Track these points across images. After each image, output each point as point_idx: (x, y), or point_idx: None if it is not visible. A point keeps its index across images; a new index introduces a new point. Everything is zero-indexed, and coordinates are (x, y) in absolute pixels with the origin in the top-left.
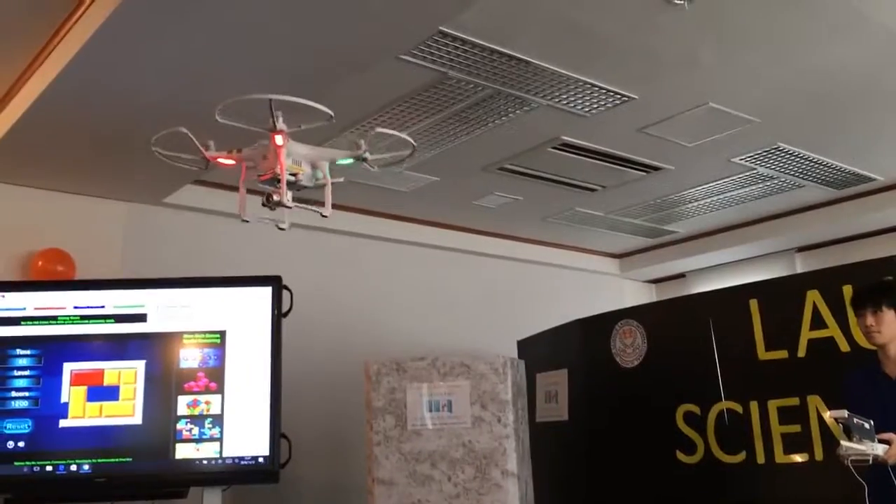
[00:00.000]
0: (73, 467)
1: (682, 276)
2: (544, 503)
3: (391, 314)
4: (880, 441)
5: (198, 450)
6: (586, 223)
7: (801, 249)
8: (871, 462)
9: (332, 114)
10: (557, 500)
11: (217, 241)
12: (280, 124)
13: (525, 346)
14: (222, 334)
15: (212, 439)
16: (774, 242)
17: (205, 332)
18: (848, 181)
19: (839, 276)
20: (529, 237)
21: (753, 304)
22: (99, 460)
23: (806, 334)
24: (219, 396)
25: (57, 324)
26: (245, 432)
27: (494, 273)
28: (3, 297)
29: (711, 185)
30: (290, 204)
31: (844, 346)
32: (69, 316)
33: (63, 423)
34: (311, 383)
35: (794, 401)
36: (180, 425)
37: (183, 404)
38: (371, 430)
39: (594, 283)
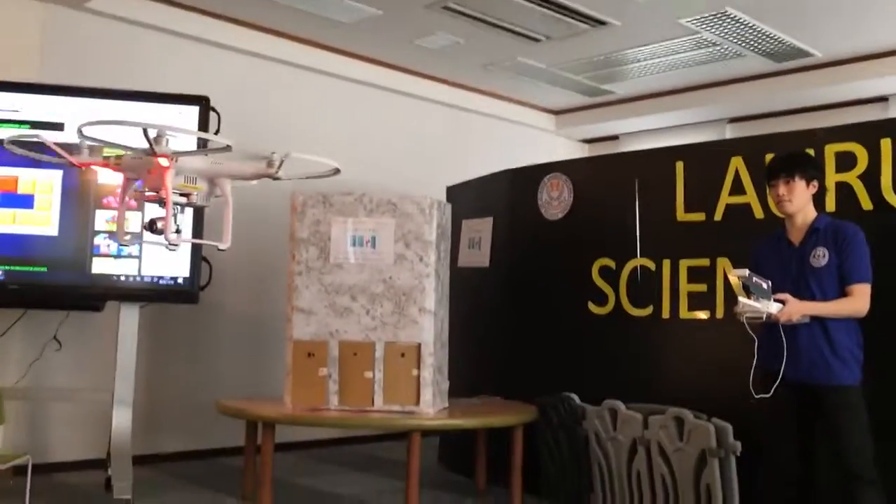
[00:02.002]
0: None
1: (615, 137)
2: (459, 344)
3: (321, 149)
4: (776, 300)
5: (116, 266)
6: (527, 75)
7: (732, 120)
8: (764, 319)
9: (230, 145)
10: (472, 342)
11: (144, 55)
12: (163, 147)
13: (453, 193)
14: (146, 152)
15: (130, 256)
16: (708, 111)
17: (127, 148)
18: (788, 54)
19: (763, 145)
20: (469, 84)
21: (679, 166)
22: (13, 268)
23: (725, 199)
24: (139, 214)
25: None
26: (165, 253)
27: (429, 118)
28: None
29: (656, 45)
30: (176, 241)
31: (759, 213)
32: None
33: None
34: (235, 211)
35: (705, 262)
36: (98, 240)
37: (101, 219)
38: (294, 261)
39: (529, 138)
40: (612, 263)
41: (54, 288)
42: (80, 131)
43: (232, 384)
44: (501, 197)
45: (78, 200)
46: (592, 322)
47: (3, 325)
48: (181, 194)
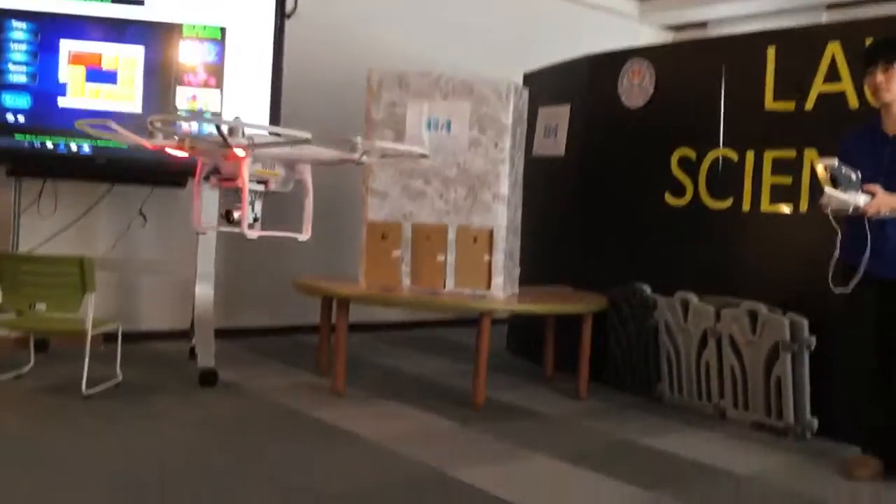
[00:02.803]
0: (74, 147)
1: (703, 24)
2: (532, 233)
3: (399, 30)
4: (865, 192)
5: None
6: None
7: (831, 7)
8: (850, 212)
9: (309, 138)
10: (545, 231)
11: None
12: (238, 138)
13: (531, 79)
14: (223, 30)
15: (210, 135)
16: None
17: (205, 26)
18: None
19: (864, 30)
20: None
21: (770, 52)
22: (99, 143)
23: (818, 87)
24: (217, 93)
25: None
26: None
27: (509, 3)
28: None
29: None
30: (251, 234)
31: (854, 103)
32: None
33: (62, 102)
34: (312, 91)
35: (791, 153)
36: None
37: (182, 97)
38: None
39: (611, 25)
40: (692, 154)
41: (140, 162)
42: (151, 122)
43: (309, 263)
44: (580, 84)
45: (160, 77)
46: (669, 214)
47: (92, 200)
48: (258, 181)
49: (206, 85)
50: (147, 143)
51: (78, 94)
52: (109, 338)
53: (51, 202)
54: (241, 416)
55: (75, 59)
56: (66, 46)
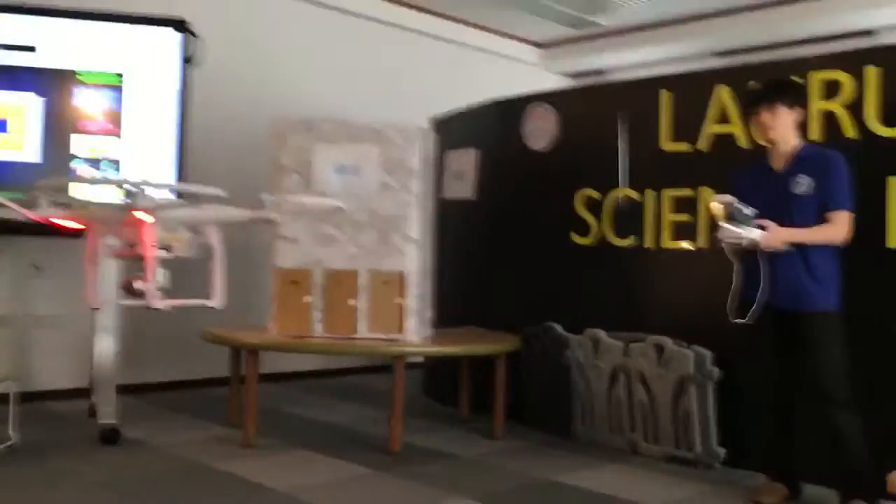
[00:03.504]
0: None
1: (601, 72)
2: (443, 275)
3: (304, 78)
4: (758, 227)
5: (95, 192)
6: (514, 5)
7: (719, 54)
8: (745, 244)
9: (222, 194)
10: (457, 273)
11: None
12: (143, 199)
13: (439, 124)
14: (120, 76)
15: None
16: (695, 44)
17: (101, 72)
18: None
19: (749, 74)
20: (454, 15)
21: (664, 95)
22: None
23: (710, 128)
24: (118, 140)
25: None
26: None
27: (413, 48)
28: None
29: None
30: (160, 306)
31: (744, 142)
32: None
33: None
34: (217, 137)
35: (689, 192)
36: (74, 164)
37: (78, 144)
38: (277, 189)
39: (514, 72)
40: (596, 194)
41: None
42: (37, 186)
43: (217, 313)
44: (486, 128)
45: (55, 125)
46: (576, 252)
47: None
48: (162, 247)
49: (104, 132)
50: (33, 215)
51: None
52: (2, 398)
53: None
54: (147, 473)
55: None
56: None
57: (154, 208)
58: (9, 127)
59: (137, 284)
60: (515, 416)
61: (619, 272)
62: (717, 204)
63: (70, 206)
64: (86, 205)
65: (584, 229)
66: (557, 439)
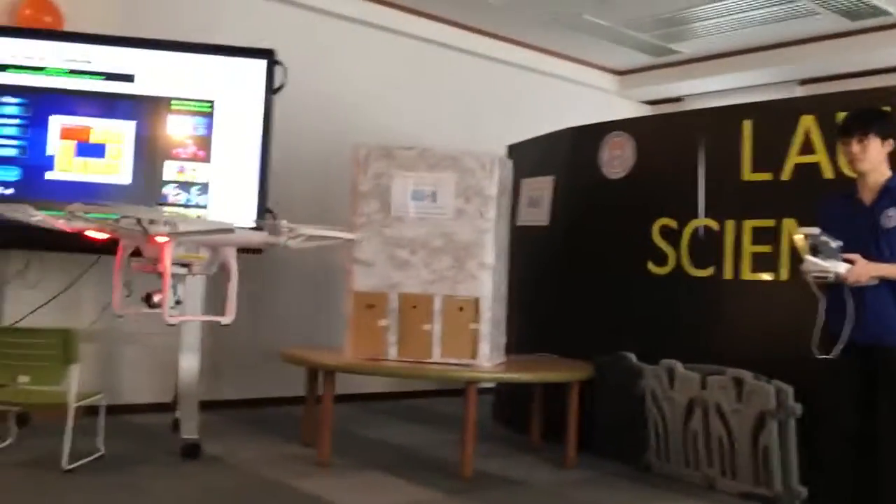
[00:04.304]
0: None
1: (679, 99)
2: (517, 301)
3: (384, 105)
4: (844, 261)
5: (200, 217)
6: (591, 33)
7: (804, 82)
8: (831, 279)
9: (232, 228)
10: (531, 299)
11: (213, 10)
12: (157, 227)
13: (514, 151)
14: (212, 104)
15: (198, 206)
16: (778, 72)
17: (194, 100)
18: (863, 12)
19: (836, 103)
20: (532, 43)
21: (746, 125)
22: (89, 215)
23: (793, 158)
24: (207, 165)
25: (44, 74)
26: (231, 203)
27: (492, 76)
28: None
29: (725, 2)
30: (171, 320)
31: (829, 173)
32: (57, 68)
33: (49, 175)
34: (299, 162)
35: (770, 222)
36: (167, 189)
37: (170, 169)
38: (355, 214)
39: (591, 99)
40: (673, 223)
41: None
42: (69, 211)
43: (294, 334)
44: (562, 155)
45: (148, 150)
46: (651, 282)
47: (78, 271)
48: (182, 264)
49: (194, 157)
50: (66, 227)
51: (65, 167)
52: (90, 410)
53: (37, 274)
54: (226, 488)
55: (65, 133)
56: (57, 121)
57: (170, 233)
58: (107, 153)
59: (156, 298)
60: (587, 446)
61: (696, 303)
62: (801, 236)
63: (101, 224)
64: (115, 223)
65: (660, 258)
66: (630, 470)
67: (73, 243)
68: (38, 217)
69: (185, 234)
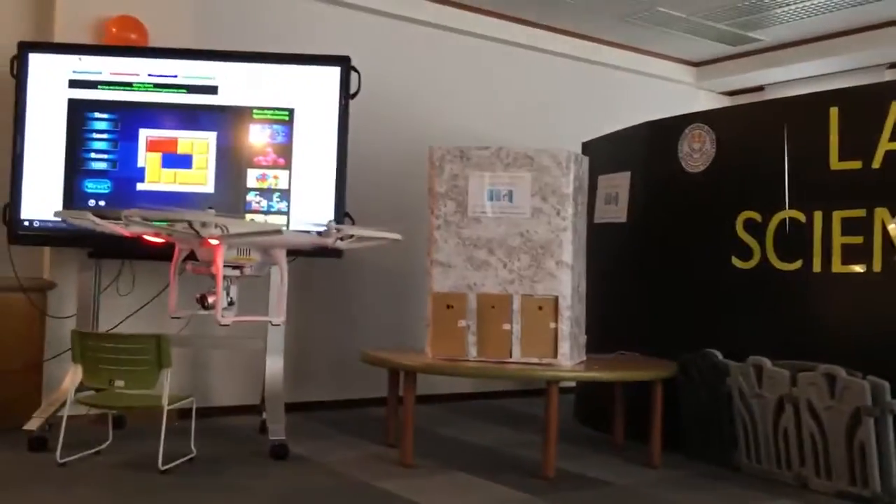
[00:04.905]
0: None
1: (760, 88)
2: (597, 300)
3: (457, 106)
4: None
5: (266, 221)
6: (666, 25)
7: (893, 66)
8: None
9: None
10: (611, 297)
11: (288, 19)
12: (209, 229)
13: (590, 148)
14: (291, 112)
15: (279, 212)
16: (865, 56)
17: (274, 109)
18: None
19: None
20: (606, 38)
21: (833, 112)
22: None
23: (884, 145)
24: (286, 172)
25: (132, 90)
26: (311, 208)
27: (565, 74)
28: (80, 59)
29: None
30: (224, 321)
31: None
32: (144, 83)
33: (140, 187)
34: (375, 166)
35: (861, 212)
36: (250, 197)
37: (252, 177)
38: (432, 215)
39: (667, 92)
40: (757, 216)
41: None
42: (125, 216)
43: (374, 336)
44: (639, 151)
45: (231, 159)
46: (736, 277)
47: (167, 279)
48: (234, 266)
49: (275, 165)
50: (125, 232)
51: (155, 178)
52: (182, 413)
53: (129, 282)
54: (315, 489)
55: (152, 145)
56: (145, 134)
57: (222, 235)
58: (194, 163)
59: (210, 299)
60: (672, 445)
61: (784, 298)
62: (895, 226)
63: (157, 230)
64: (167, 229)
65: (745, 253)
66: (718, 470)
67: (162, 252)
68: (99, 223)
69: (235, 235)
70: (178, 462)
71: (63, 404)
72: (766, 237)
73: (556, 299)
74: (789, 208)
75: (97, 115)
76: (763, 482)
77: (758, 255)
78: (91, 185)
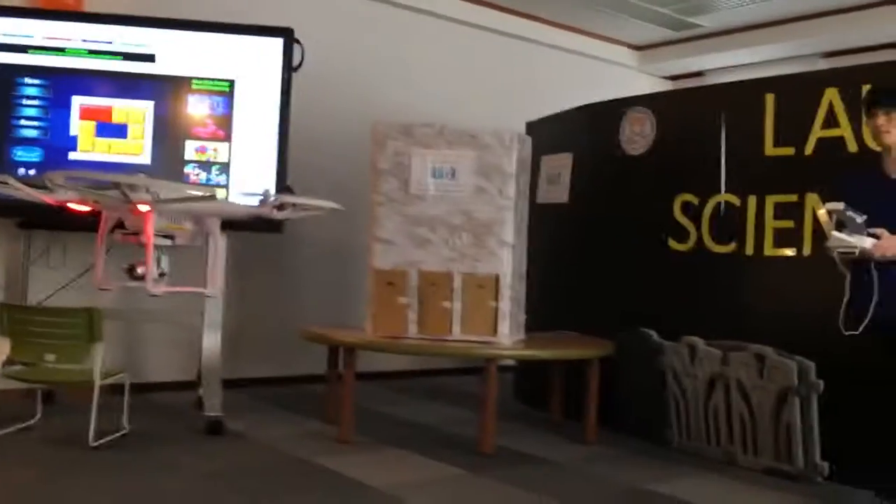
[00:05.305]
0: None
1: (700, 73)
2: (537, 279)
3: (401, 83)
4: (870, 235)
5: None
6: (610, 7)
7: (827, 55)
8: (856, 254)
9: (214, 195)
10: (550, 277)
11: None
12: (139, 194)
13: (533, 129)
14: (231, 83)
15: (218, 185)
16: (801, 45)
17: (214, 80)
18: None
19: (861, 76)
20: (549, 19)
21: (769, 99)
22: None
23: (816, 132)
24: (226, 145)
25: (65, 55)
26: (251, 182)
27: (509, 53)
28: (10, 22)
29: None
30: (156, 291)
31: (853, 147)
32: (77, 49)
33: (72, 156)
34: (317, 141)
35: (793, 197)
36: (188, 169)
37: (191, 149)
38: (375, 192)
39: (610, 75)
40: (694, 199)
41: None
42: (48, 178)
43: (314, 313)
44: (582, 132)
45: (169, 130)
46: (672, 258)
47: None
48: (165, 236)
49: (214, 137)
50: (49, 199)
51: (88, 147)
52: (116, 389)
53: (59, 254)
54: (250, 466)
55: (86, 113)
56: (78, 101)
57: (153, 201)
58: (129, 133)
59: (139, 269)
60: (608, 423)
61: (718, 279)
62: (825, 211)
63: (83, 195)
64: (95, 193)
65: (681, 235)
66: (651, 447)
67: (93, 225)
68: (22, 189)
69: (166, 201)
70: (109, 438)
71: None
72: (702, 220)
73: (496, 278)
74: (725, 192)
75: (27, 80)
76: (693, 458)
77: (694, 238)
78: (21, 154)
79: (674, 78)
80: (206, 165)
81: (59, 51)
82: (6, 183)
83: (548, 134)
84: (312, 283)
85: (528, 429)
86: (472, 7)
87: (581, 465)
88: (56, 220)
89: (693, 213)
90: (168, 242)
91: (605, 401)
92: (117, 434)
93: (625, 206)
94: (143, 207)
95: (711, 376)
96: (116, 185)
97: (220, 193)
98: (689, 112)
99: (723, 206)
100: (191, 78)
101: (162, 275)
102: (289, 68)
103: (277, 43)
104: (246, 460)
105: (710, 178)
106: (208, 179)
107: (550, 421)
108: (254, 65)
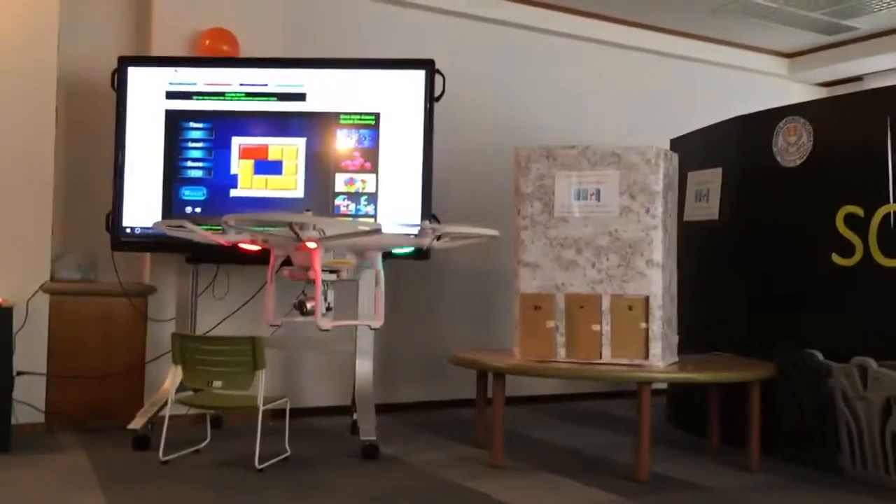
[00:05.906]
0: None
1: (858, 78)
2: (689, 299)
3: (543, 106)
4: None
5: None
6: (757, 16)
7: None
8: None
9: (379, 228)
10: (703, 297)
11: (372, 24)
12: (308, 231)
13: (679, 144)
14: (377, 116)
15: (367, 216)
16: None
17: (360, 114)
18: None
19: None
20: (693, 32)
21: None
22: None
23: None
24: (373, 176)
25: (225, 99)
26: (397, 211)
27: (652, 70)
28: (176, 71)
29: None
30: (325, 325)
31: None
32: (236, 92)
33: (233, 193)
34: (460, 168)
35: None
36: (338, 201)
37: (340, 181)
38: (519, 216)
39: (759, 85)
40: (859, 211)
41: None
42: (225, 221)
43: (462, 338)
44: (731, 146)
45: (319, 164)
46: (837, 274)
47: (261, 282)
48: (330, 271)
49: (362, 169)
50: (222, 240)
51: (247, 184)
52: (277, 414)
53: (224, 285)
54: (406, 489)
55: (245, 152)
56: (237, 142)
57: (320, 238)
58: (284, 169)
59: (309, 305)
60: (769, 449)
61: (889, 295)
62: None
63: (252, 233)
64: (265, 233)
65: (846, 249)
66: (819, 475)
67: (254, 257)
68: (197, 232)
69: (335, 237)
70: (273, 461)
71: (164, 404)
72: (870, 232)
73: (646, 299)
74: (894, 202)
75: (192, 124)
76: (869, 487)
77: (860, 252)
78: (188, 193)
79: (828, 84)
80: (354, 196)
81: (220, 95)
82: (183, 227)
83: (694, 149)
84: (458, 308)
85: (683, 455)
86: (612, 26)
87: (743, 493)
88: (221, 255)
89: (859, 225)
90: (333, 277)
91: (765, 425)
92: (280, 457)
93: (781, 220)
94: (311, 245)
95: (887, 399)
96: (288, 225)
97: (368, 223)
98: (851, 118)
99: (892, 216)
100: (339, 113)
101: (329, 309)
102: (431, 99)
103: (419, 75)
104: (402, 484)
105: (876, 187)
106: (357, 210)
107: (707, 447)
108: (397, 97)
